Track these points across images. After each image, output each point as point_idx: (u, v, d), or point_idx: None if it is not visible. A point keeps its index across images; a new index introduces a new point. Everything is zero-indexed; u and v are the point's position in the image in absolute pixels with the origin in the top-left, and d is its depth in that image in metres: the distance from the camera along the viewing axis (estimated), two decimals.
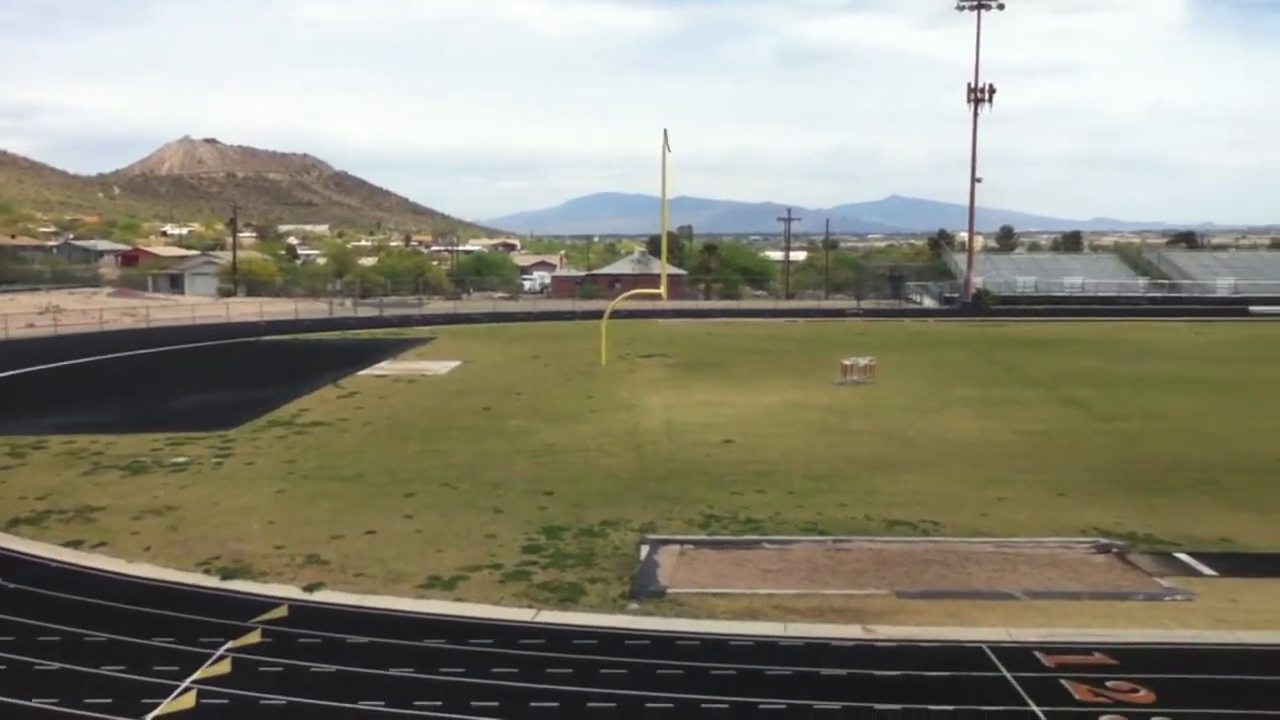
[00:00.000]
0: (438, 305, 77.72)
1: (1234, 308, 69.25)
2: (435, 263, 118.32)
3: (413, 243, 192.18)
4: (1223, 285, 75.19)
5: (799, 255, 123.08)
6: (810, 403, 32.23)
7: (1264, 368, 40.50)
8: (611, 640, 13.13)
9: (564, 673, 12.04)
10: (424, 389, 35.72)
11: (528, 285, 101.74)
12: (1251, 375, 38.21)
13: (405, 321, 63.23)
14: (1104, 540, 17.44)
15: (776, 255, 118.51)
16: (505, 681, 11.81)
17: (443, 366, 41.86)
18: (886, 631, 13.42)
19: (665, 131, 43.29)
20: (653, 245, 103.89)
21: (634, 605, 14.43)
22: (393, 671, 12.13)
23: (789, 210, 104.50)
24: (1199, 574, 15.75)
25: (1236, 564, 16.17)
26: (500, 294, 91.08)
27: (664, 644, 13.02)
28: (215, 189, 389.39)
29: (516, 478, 22.21)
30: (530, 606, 14.37)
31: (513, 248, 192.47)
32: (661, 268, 51.13)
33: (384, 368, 41.75)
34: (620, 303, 51.63)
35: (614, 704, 11.26)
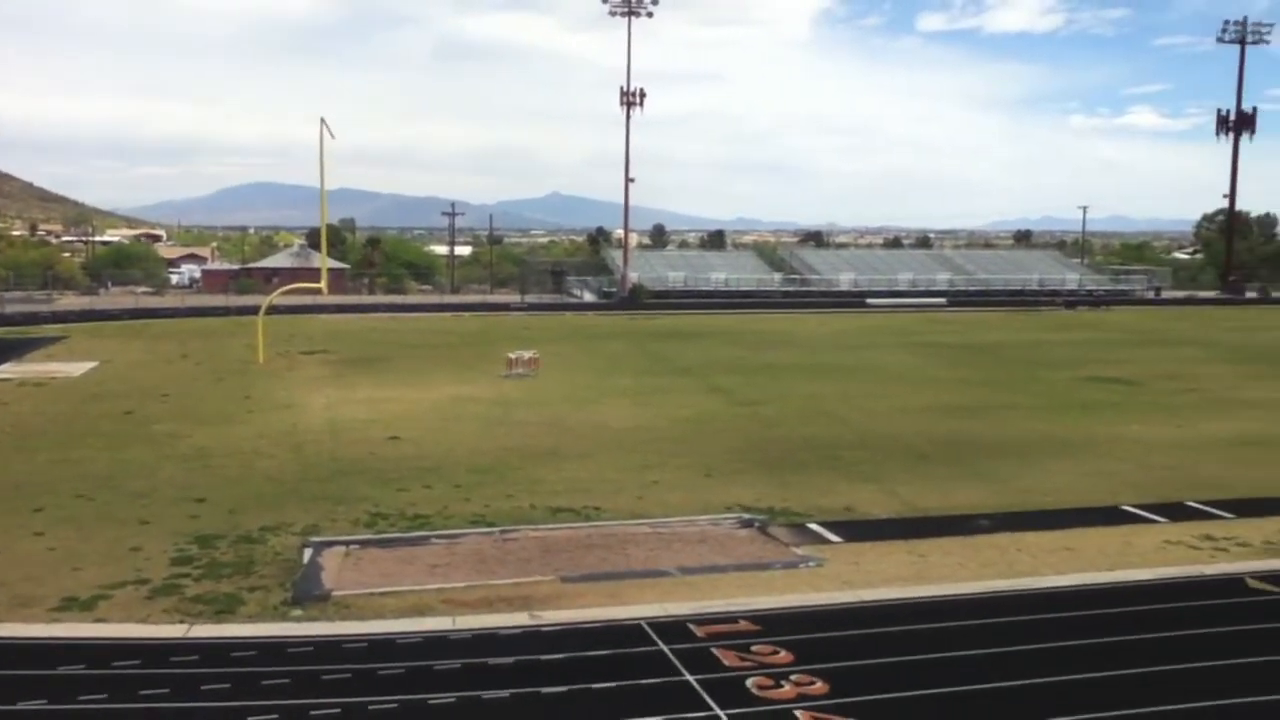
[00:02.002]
0: (70, 301, 70.69)
1: (854, 300, 76.70)
2: (67, 254, 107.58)
3: (40, 232, 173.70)
4: (845, 280, 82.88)
5: (464, 250, 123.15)
6: (476, 396, 32.48)
7: (880, 354, 45.27)
8: (273, 649, 12.68)
9: (221, 688, 11.50)
10: (54, 393, 32.51)
11: (175, 279, 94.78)
12: (870, 361, 42.61)
13: (31, 319, 57.03)
14: (747, 516, 18.93)
15: (441, 250, 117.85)
16: (154, 703, 11.11)
17: (77, 368, 38.24)
18: (552, 616, 13.88)
19: (323, 120, 41.94)
20: (312, 238, 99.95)
21: (297, 611, 14.01)
22: (21, 705, 11.06)
23: (453, 205, 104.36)
24: (828, 541, 17.47)
25: (858, 530, 18.09)
26: (144, 289, 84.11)
27: (329, 648, 12.75)
28: None
29: (164, 486, 20.81)
30: (182, 621, 13.57)
31: (158, 239, 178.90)
32: (322, 261, 49.51)
33: (6, 370, 37.55)
34: (278, 297, 49.41)
35: (275, 715, 10.90)
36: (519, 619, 13.81)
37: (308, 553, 16.51)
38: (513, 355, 38.13)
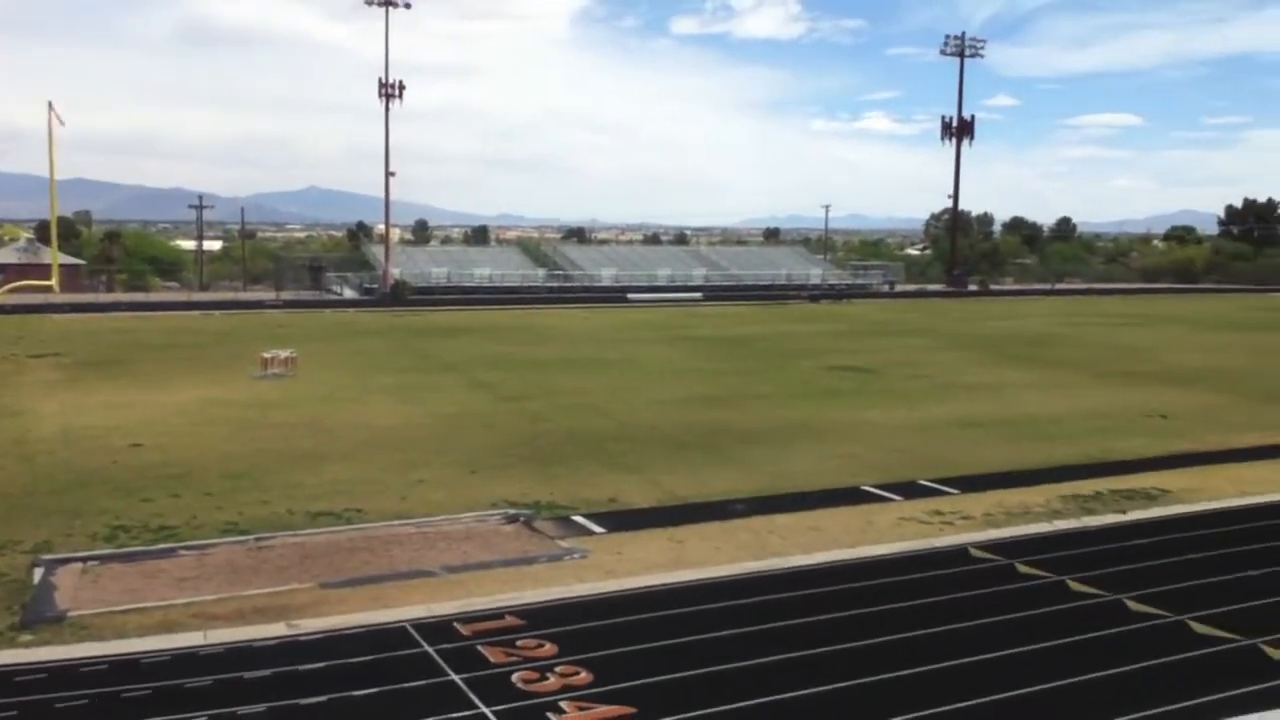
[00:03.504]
0: None
1: (616, 295, 78.18)
2: None
3: None
4: (606, 275, 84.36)
5: (214, 245, 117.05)
6: (228, 398, 31.02)
7: (640, 348, 46.39)
8: None
9: None
10: None
11: None
12: (631, 354, 43.60)
13: None
14: (512, 511, 19.03)
15: (189, 244, 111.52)
16: None
17: None
18: (310, 625, 13.51)
19: (51, 104, 38.98)
20: (42, 231, 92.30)
21: (26, 636, 13.00)
22: None
23: (200, 197, 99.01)
24: (592, 533, 17.81)
25: (621, 520, 18.54)
26: None
27: (65, 673, 11.92)
28: None
29: None
30: None
31: None
32: (53, 256, 46.08)
33: None
34: (3, 297, 45.46)
35: None
36: (276, 629, 13.36)
37: (39, 572, 15.34)
38: (268, 354, 36.65)
